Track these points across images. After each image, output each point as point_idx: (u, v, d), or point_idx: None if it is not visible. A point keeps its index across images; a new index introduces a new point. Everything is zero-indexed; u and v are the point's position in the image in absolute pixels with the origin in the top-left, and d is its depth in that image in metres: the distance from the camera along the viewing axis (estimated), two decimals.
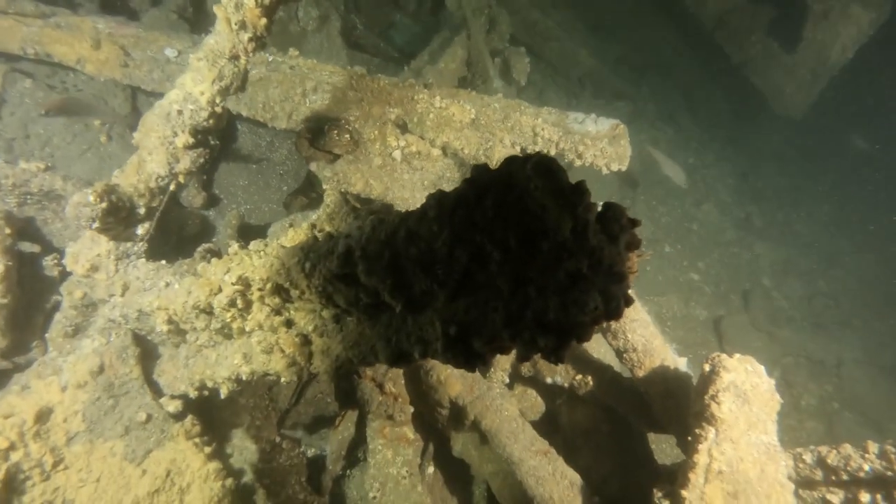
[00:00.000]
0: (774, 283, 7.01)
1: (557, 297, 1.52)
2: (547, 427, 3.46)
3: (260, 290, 1.97)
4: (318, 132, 3.04)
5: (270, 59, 3.29)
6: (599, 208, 1.62)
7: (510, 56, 5.66)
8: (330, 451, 3.17)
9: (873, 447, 2.67)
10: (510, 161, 1.61)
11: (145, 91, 3.37)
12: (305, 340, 2.05)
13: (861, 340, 6.77)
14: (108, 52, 3.17)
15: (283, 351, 2.04)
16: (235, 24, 2.26)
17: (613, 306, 1.47)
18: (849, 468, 2.68)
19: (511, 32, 6.50)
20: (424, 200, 1.53)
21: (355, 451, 3.22)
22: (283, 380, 2.06)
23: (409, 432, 3.13)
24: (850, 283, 7.75)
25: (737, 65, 7.08)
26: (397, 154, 3.15)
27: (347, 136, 3.03)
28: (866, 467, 2.62)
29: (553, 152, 3.89)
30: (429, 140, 3.25)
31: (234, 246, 2.08)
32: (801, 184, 9.25)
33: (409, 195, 3.32)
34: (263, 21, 2.26)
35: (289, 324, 2.08)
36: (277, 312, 2.06)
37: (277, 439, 3.02)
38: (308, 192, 3.40)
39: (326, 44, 5.11)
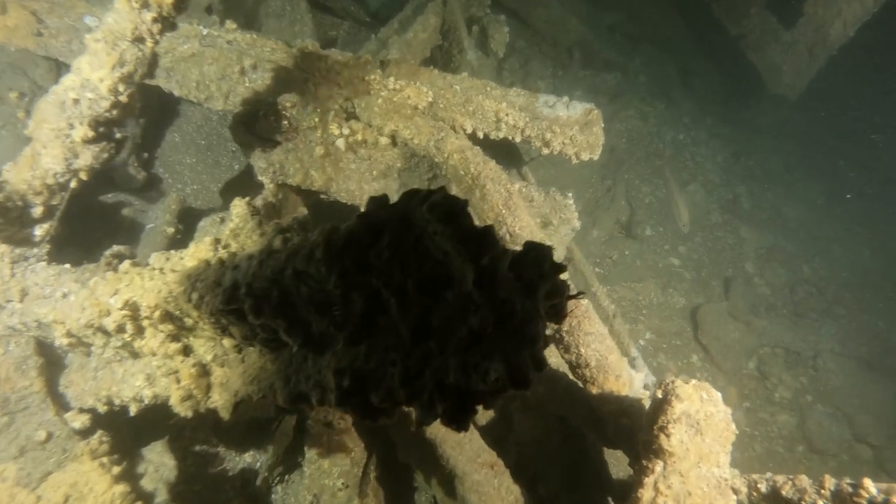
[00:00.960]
0: (758, 269, 6.82)
1: (458, 358, 1.31)
2: (499, 432, 3.31)
3: (148, 317, 1.75)
4: (253, 116, 2.77)
5: (205, 32, 2.98)
6: (521, 248, 1.40)
7: (489, 25, 5.30)
8: (266, 458, 3.01)
9: (830, 483, 2.51)
10: (408, 196, 1.37)
11: (67, 64, 3.07)
12: (204, 371, 1.84)
13: (840, 331, 6.63)
14: (16, 18, 2.86)
15: (178, 382, 1.83)
16: (136, 2, 1.97)
17: (519, 376, 1.26)
18: (802, 503, 2.53)
19: None
20: (353, 218, 1.33)
21: (294, 457, 3.07)
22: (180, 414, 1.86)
23: (349, 441, 2.96)
24: (836, 271, 7.57)
25: (734, 38, 6.71)
26: (340, 143, 2.88)
27: (286, 121, 2.76)
28: None
29: (518, 139, 3.62)
30: (376, 128, 2.98)
31: (126, 264, 1.84)
32: (793, 165, 8.98)
33: (356, 187, 3.07)
34: None
35: (187, 351, 1.87)
36: (174, 339, 1.84)
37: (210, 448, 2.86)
38: (247, 183, 3.15)
39: (289, 7, 4.74)
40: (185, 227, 3.32)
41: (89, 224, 3.04)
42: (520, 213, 3.09)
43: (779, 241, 7.30)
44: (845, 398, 5.93)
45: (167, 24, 2.04)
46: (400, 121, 2.99)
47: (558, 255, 3.91)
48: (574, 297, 1.43)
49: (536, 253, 1.32)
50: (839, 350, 6.27)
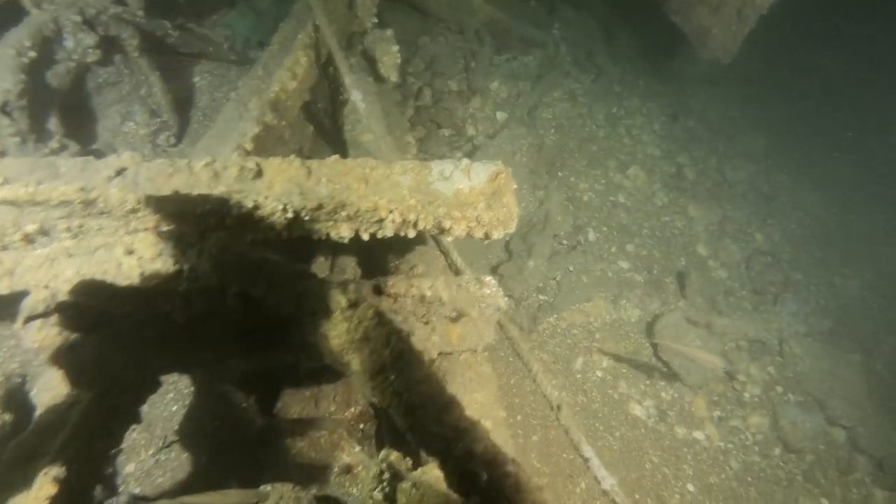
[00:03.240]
0: (710, 250, 6.39)
1: None
2: None
3: None
4: None
5: None
6: None
7: (374, 45, 4.48)
8: None
9: None
10: None
11: None
12: None
13: (801, 304, 6.31)
14: None
15: None
16: None
17: None
18: None
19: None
20: None
21: None
22: None
23: None
24: (788, 231, 7.22)
25: (657, 1, 6.02)
26: None
27: None
28: None
29: (412, 234, 2.95)
30: None
31: None
32: (734, 114, 8.48)
33: None
34: None
35: None
36: None
37: None
38: None
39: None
40: None
41: None
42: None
43: (728, 212, 6.85)
44: (814, 382, 5.65)
45: None
46: None
47: (487, 341, 3.33)
48: None
49: None
50: (803, 330, 5.95)
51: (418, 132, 5.56)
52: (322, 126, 4.56)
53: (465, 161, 3.01)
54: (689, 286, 5.81)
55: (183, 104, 4.47)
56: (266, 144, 3.70)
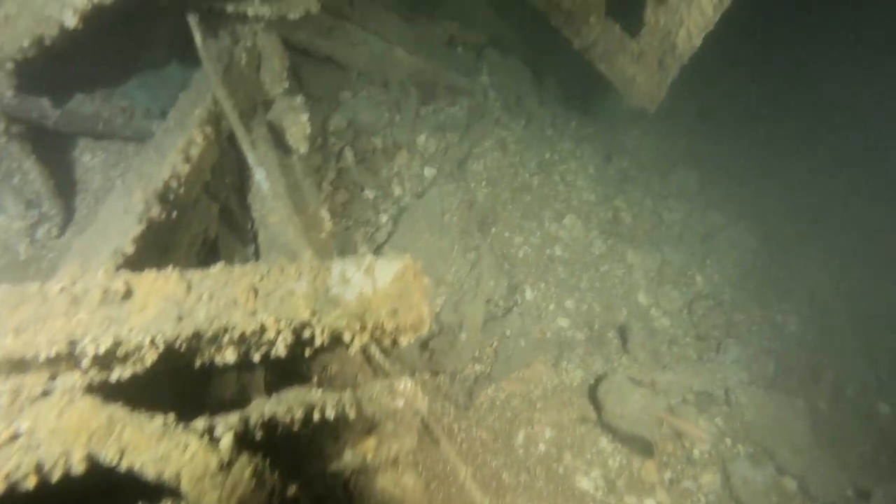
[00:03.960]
0: (651, 297, 6.26)
1: None
2: None
3: None
4: None
5: None
6: None
7: (282, 114, 4.15)
8: None
9: None
10: None
11: None
12: None
13: (744, 348, 6.23)
14: None
15: None
16: None
17: None
18: None
19: (295, 57, 5.00)
20: None
21: None
22: None
23: None
24: (727, 269, 7.20)
25: (579, 50, 5.92)
26: None
27: None
28: None
29: (308, 353, 2.62)
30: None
31: None
32: (666, 149, 8.51)
33: None
34: None
35: None
36: None
37: None
38: None
39: None
40: None
41: None
42: None
43: (666, 255, 6.76)
44: (762, 432, 5.53)
45: None
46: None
47: (408, 450, 3.01)
48: None
49: None
50: (747, 378, 5.85)
51: (341, 196, 5.23)
52: (229, 205, 4.18)
53: (369, 258, 2.70)
54: (632, 340, 5.63)
55: (69, 188, 4.01)
56: (156, 241, 3.31)
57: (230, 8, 4.41)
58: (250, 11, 4.49)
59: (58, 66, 3.70)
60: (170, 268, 2.50)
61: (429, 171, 5.84)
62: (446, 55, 7.07)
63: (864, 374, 6.93)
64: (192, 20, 4.02)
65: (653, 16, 5.10)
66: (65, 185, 3.97)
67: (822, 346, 6.96)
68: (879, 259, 8.71)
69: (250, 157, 3.69)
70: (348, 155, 5.47)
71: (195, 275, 2.52)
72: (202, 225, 4.06)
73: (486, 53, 7.66)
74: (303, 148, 4.11)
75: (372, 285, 2.62)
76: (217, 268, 2.56)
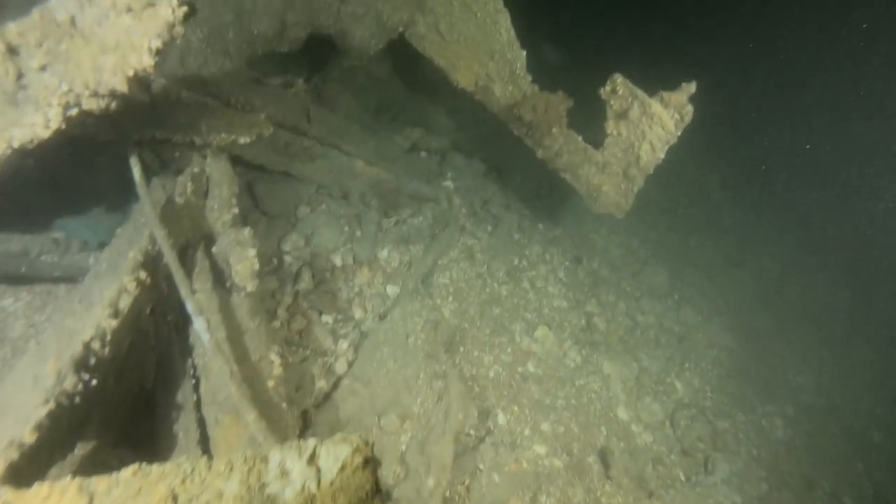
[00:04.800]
0: (631, 412, 5.91)
1: None
2: None
3: None
4: None
5: None
6: None
7: (228, 249, 3.85)
8: None
9: None
10: None
11: None
12: None
13: (732, 459, 5.88)
14: None
15: None
16: None
17: None
18: None
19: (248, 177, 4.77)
20: None
21: None
22: None
23: None
24: (706, 372, 6.94)
25: (543, 160, 5.83)
26: None
27: None
28: None
29: None
30: None
31: None
32: (635, 245, 8.42)
33: None
34: None
35: None
36: None
37: None
38: None
39: None
40: None
41: None
42: None
43: (643, 363, 6.48)
44: None
45: None
46: None
47: None
48: None
49: None
50: (740, 501, 5.46)
51: (298, 323, 4.87)
52: (170, 351, 3.78)
53: (312, 443, 2.31)
54: (614, 464, 5.23)
55: None
56: (71, 414, 2.88)
57: (177, 136, 4.18)
58: (197, 140, 4.28)
59: None
60: (67, 478, 2.09)
61: (392, 289, 5.54)
62: (409, 162, 6.97)
63: (859, 481, 6.60)
64: (132, 156, 3.76)
65: (615, 129, 5.03)
66: None
67: (812, 452, 6.65)
68: (858, 350, 8.58)
69: (189, 305, 3.34)
70: (306, 276, 5.16)
71: (100, 483, 2.11)
72: (135, 377, 3.65)
73: (449, 157, 7.61)
74: (250, 286, 3.78)
75: (316, 478, 2.24)
76: (128, 472, 2.15)
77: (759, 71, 13.60)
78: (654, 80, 4.87)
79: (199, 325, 3.34)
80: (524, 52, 5.45)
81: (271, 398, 3.65)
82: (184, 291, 3.40)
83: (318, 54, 6.45)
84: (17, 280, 3.81)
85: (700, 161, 10.63)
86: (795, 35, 13.24)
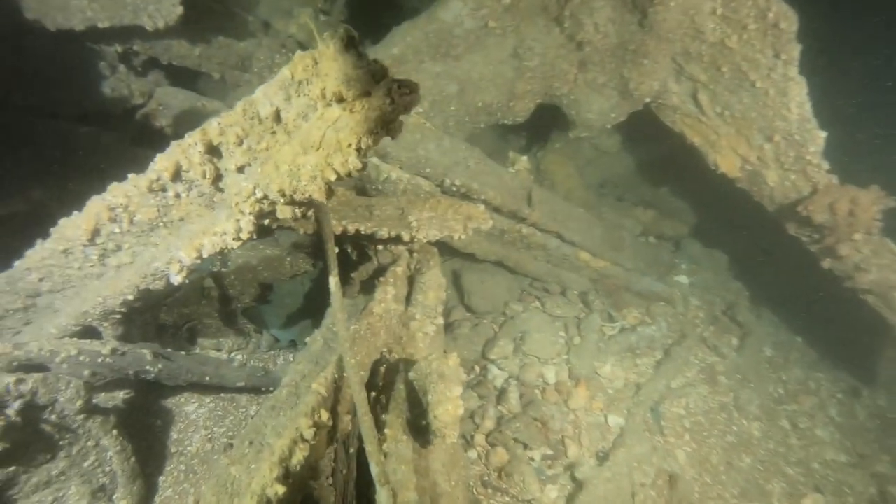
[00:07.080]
0: None
1: None
2: None
3: None
4: None
5: None
6: None
7: (425, 382, 3.06)
8: None
9: None
10: None
11: None
12: None
13: None
14: None
15: None
16: None
17: None
18: None
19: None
20: None
21: None
22: None
23: None
24: None
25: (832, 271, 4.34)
26: None
27: None
28: None
29: None
30: None
31: None
32: None
33: None
34: None
35: None
36: None
37: None
38: None
39: None
40: None
41: None
42: None
43: None
44: None
45: None
46: None
47: None
48: None
49: None
50: None
51: (498, 457, 3.96)
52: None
53: None
54: None
55: (155, 454, 3.18)
56: None
57: (382, 232, 3.58)
58: (405, 235, 3.63)
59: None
60: None
61: (614, 420, 4.42)
62: (637, 250, 5.83)
63: None
64: (331, 260, 3.18)
65: None
66: (151, 458, 3.14)
67: None
68: None
69: (373, 470, 2.59)
70: (512, 395, 4.26)
71: None
72: None
73: (685, 245, 6.33)
74: (450, 437, 2.95)
75: None
76: None
77: None
78: None
79: (382, 497, 2.57)
80: (824, 134, 4.11)
81: None
82: (370, 447, 2.66)
83: (539, 122, 5.69)
84: (203, 388, 3.42)
85: None
86: None
